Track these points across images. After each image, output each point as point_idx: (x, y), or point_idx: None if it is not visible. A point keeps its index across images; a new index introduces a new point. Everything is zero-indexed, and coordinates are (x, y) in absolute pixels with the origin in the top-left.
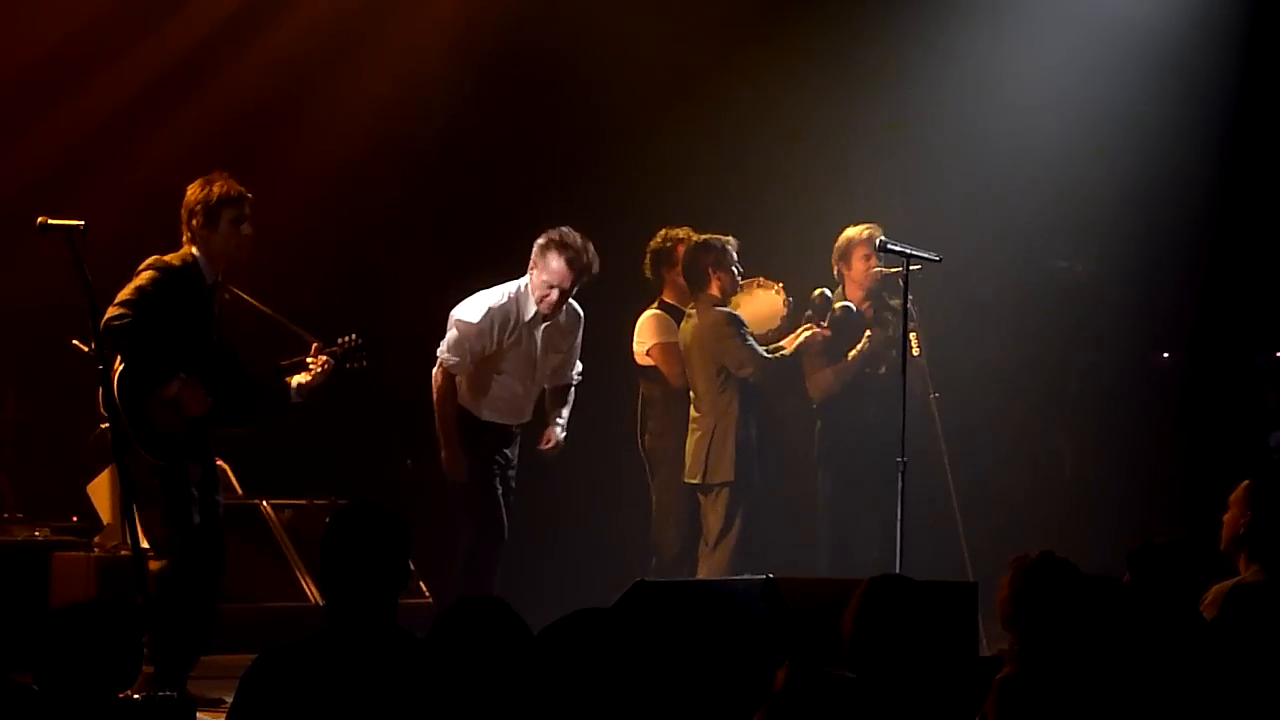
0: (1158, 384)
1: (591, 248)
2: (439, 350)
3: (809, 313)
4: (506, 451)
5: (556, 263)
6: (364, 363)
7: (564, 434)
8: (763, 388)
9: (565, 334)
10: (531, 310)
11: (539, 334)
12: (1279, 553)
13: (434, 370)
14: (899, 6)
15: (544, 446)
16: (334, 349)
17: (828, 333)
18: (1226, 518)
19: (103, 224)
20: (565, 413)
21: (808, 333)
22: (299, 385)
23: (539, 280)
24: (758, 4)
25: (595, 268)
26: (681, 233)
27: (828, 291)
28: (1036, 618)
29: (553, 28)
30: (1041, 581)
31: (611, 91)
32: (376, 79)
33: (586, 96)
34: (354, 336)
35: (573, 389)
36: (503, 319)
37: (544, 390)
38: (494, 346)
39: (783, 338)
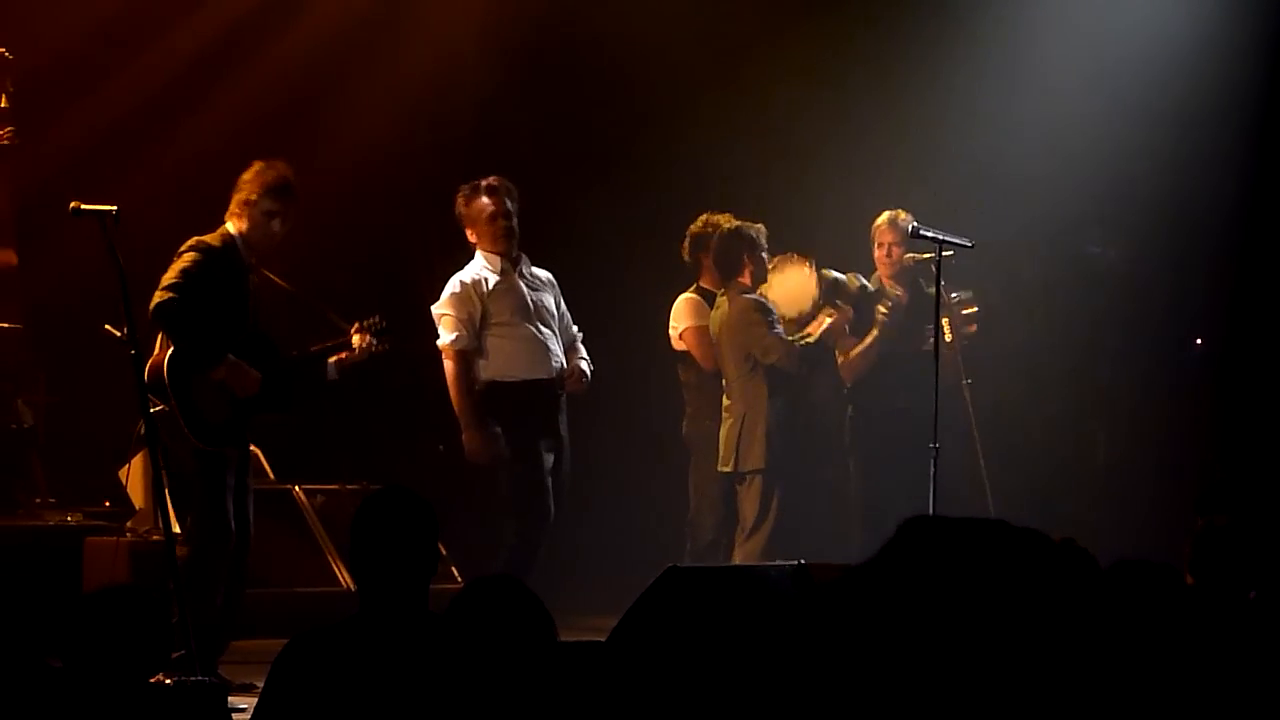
0: (1190, 370)
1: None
2: (438, 343)
3: (816, 295)
4: (558, 426)
5: (481, 200)
6: (387, 345)
7: (589, 366)
8: (791, 375)
9: (549, 289)
10: (498, 263)
11: (520, 280)
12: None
13: (444, 363)
14: None
15: (570, 382)
16: (363, 330)
17: (849, 313)
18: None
19: (136, 209)
20: (583, 352)
21: (830, 319)
22: (337, 361)
23: (481, 225)
24: None
25: (514, 190)
26: (723, 219)
27: (834, 272)
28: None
29: (588, 12)
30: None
31: (647, 77)
32: (409, 65)
33: (622, 81)
34: (378, 318)
35: (580, 341)
36: (473, 280)
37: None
38: (480, 306)
39: (813, 320)
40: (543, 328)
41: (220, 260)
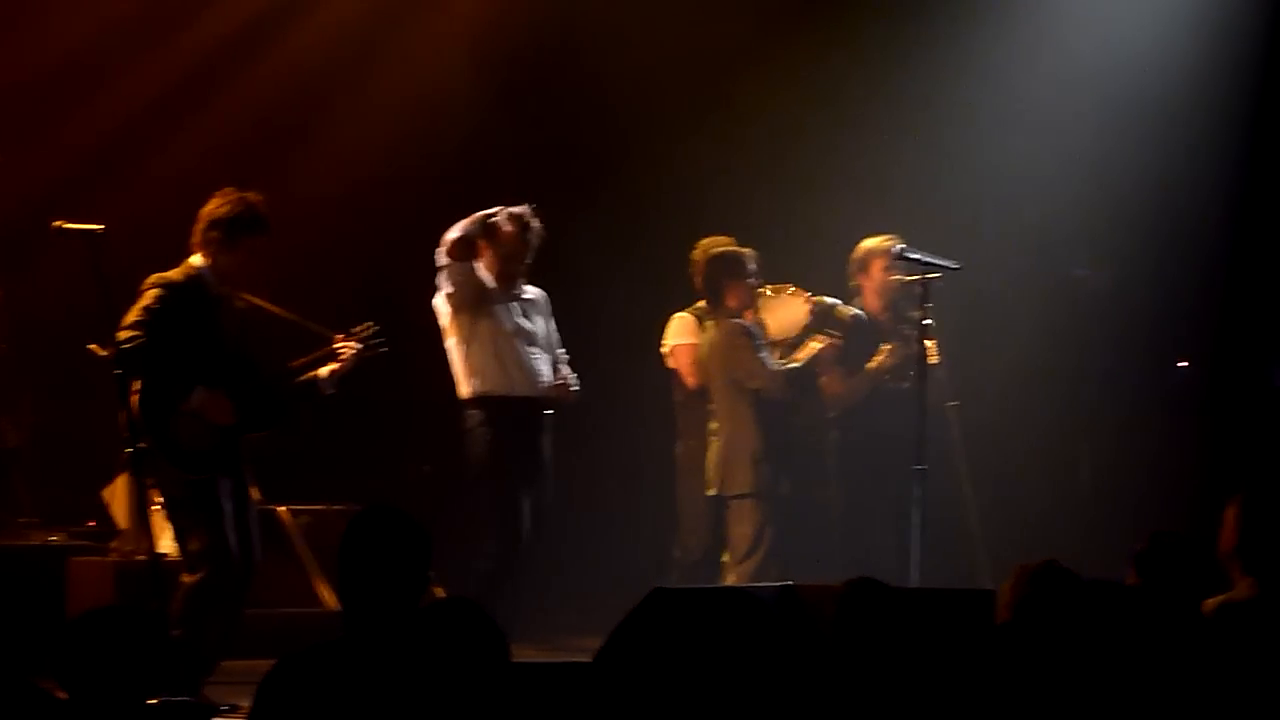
0: (1176, 392)
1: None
2: (437, 299)
3: (808, 324)
4: (539, 447)
5: (519, 233)
6: (384, 348)
7: (575, 377)
8: (774, 400)
9: (538, 308)
10: (490, 282)
11: (514, 304)
12: (1272, 567)
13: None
14: (921, 13)
15: (557, 389)
16: (352, 338)
17: (839, 342)
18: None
19: (122, 229)
20: (568, 372)
21: (818, 345)
22: (331, 373)
23: (504, 257)
24: (782, 11)
25: (539, 229)
26: (715, 243)
27: (830, 299)
28: (1036, 627)
29: (575, 35)
30: (1042, 590)
31: (637, 98)
32: (397, 87)
33: (611, 103)
34: (369, 324)
35: (565, 363)
36: (476, 279)
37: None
38: (481, 293)
39: (801, 345)
40: (531, 349)
41: (184, 293)
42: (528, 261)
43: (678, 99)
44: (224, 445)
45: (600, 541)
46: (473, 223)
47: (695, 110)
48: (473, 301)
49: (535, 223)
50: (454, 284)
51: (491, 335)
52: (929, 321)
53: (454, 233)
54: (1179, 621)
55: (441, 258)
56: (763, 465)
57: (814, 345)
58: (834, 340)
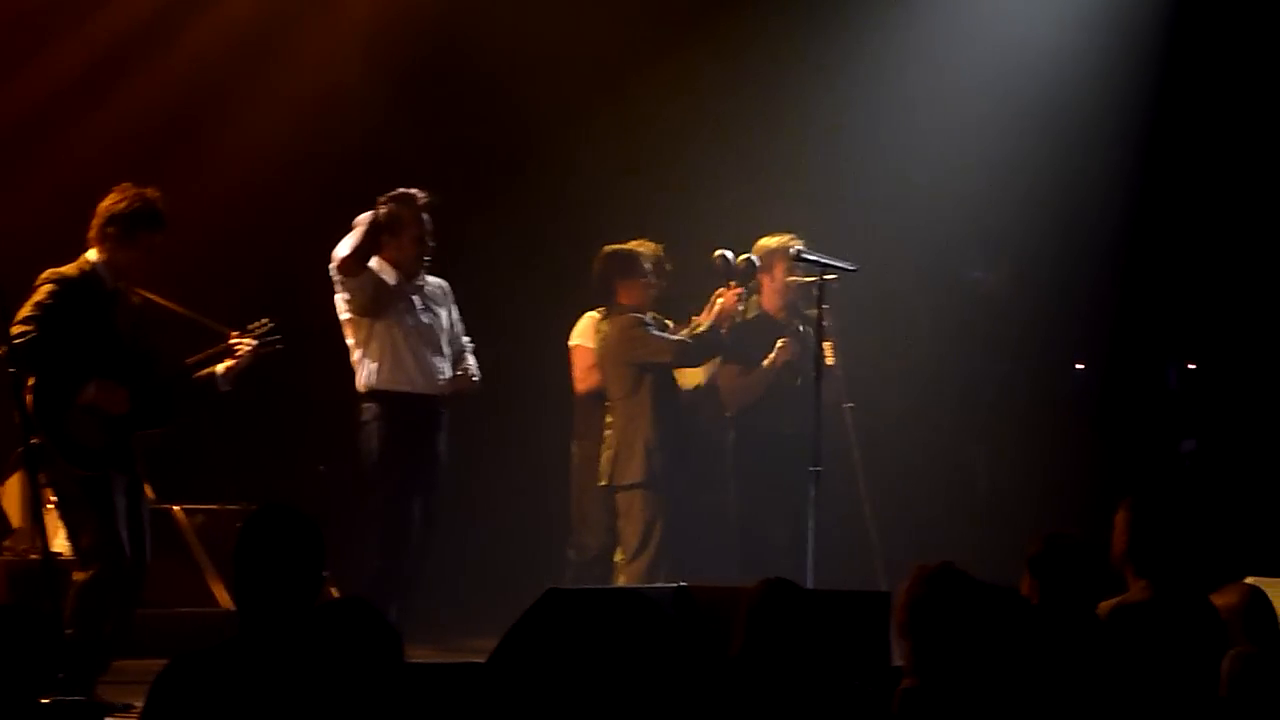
0: (1072, 394)
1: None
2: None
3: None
4: (435, 445)
5: (415, 215)
6: (280, 346)
7: (476, 372)
8: (691, 366)
9: (442, 300)
10: (394, 276)
11: (415, 298)
12: (1163, 569)
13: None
14: (820, 12)
15: (459, 380)
16: (248, 334)
17: (739, 290)
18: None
19: (16, 227)
20: (472, 362)
21: (721, 300)
22: (226, 370)
23: (406, 243)
24: (680, 10)
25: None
26: (632, 245)
27: (728, 254)
28: (931, 628)
29: (474, 30)
30: (938, 592)
31: (535, 95)
32: (294, 84)
33: (509, 100)
34: (264, 321)
35: (470, 353)
36: (374, 281)
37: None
38: (380, 289)
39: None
40: (431, 347)
41: (78, 288)
42: (430, 244)
43: (576, 96)
44: (118, 441)
45: (496, 541)
46: (362, 235)
47: (594, 108)
48: (372, 304)
49: (425, 199)
50: (351, 293)
51: (390, 332)
52: (826, 322)
53: (344, 249)
54: (1074, 624)
55: (335, 274)
56: (655, 456)
57: (717, 301)
58: (732, 291)
